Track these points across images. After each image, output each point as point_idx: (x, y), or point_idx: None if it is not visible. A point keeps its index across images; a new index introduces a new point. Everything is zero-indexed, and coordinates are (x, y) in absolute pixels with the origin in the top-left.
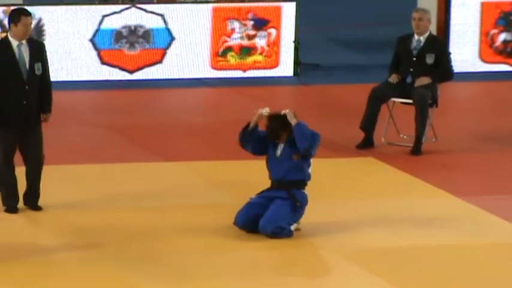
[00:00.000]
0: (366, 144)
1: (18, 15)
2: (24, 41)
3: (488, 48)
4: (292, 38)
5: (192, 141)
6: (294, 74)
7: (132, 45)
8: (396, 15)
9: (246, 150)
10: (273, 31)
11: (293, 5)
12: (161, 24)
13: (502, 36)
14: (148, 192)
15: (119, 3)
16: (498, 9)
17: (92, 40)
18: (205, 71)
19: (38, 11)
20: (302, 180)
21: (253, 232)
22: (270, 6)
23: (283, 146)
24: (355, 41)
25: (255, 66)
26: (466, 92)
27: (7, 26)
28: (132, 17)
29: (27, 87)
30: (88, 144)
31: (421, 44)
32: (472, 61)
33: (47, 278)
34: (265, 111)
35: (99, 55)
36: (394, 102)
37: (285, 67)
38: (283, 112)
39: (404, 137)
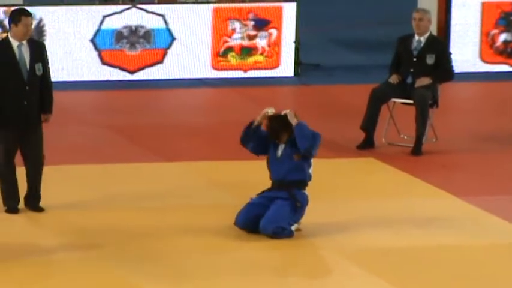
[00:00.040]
0: (367, 145)
1: (18, 16)
2: (24, 42)
3: (489, 48)
4: (293, 38)
5: (193, 142)
6: (295, 74)
7: (132, 45)
8: (396, 16)
9: (246, 149)
10: (273, 31)
11: (294, 5)
12: (162, 25)
13: (503, 37)
14: (149, 193)
15: (119, 4)
16: (499, 10)
17: (92, 40)
18: (206, 71)
19: (38, 12)
20: (303, 181)
21: (253, 232)
22: (270, 7)
23: (284, 146)
24: (356, 41)
25: (255, 67)
26: (467, 93)
27: (7, 26)
28: (133, 17)
29: (27, 87)
30: (89, 144)
31: (422, 45)
32: (473, 61)
33: (47, 278)
34: (271, 110)
35: (99, 55)
36: (394, 102)
37: (286, 67)
38: (283, 112)
39: (405, 137)
